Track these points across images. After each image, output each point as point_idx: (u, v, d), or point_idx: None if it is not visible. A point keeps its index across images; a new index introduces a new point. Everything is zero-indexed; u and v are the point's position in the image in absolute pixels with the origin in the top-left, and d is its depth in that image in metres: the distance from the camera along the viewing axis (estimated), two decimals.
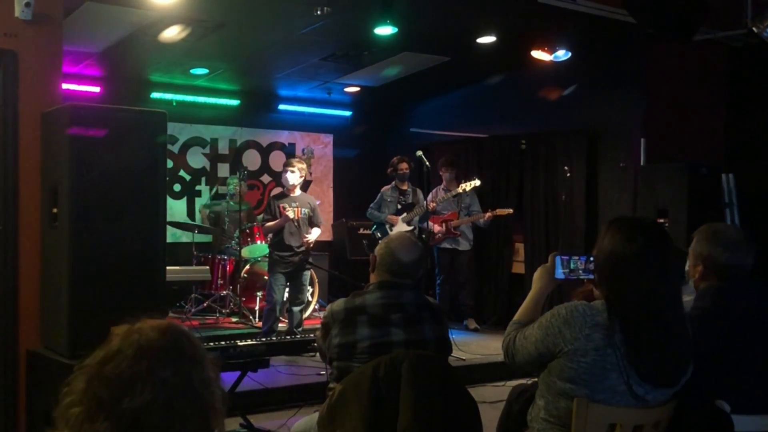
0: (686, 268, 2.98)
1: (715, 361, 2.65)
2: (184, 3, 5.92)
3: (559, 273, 2.76)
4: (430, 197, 7.55)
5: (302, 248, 6.84)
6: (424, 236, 7.52)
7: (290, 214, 6.69)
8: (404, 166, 7.83)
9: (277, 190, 8.85)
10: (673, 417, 2.46)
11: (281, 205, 6.75)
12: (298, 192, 6.91)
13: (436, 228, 7.90)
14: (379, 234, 7.75)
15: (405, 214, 7.81)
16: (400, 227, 7.65)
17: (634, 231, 2.43)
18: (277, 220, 6.74)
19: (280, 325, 7.17)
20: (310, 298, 8.05)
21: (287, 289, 6.99)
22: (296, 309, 6.88)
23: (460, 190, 7.73)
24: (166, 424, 1.34)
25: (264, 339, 5.05)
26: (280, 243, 6.79)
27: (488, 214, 7.81)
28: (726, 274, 2.82)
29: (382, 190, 7.98)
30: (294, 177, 6.81)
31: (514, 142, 8.49)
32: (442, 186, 8.11)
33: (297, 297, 6.88)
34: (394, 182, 7.94)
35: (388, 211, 7.86)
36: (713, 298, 2.81)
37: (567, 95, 7.92)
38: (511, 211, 7.90)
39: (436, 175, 8.12)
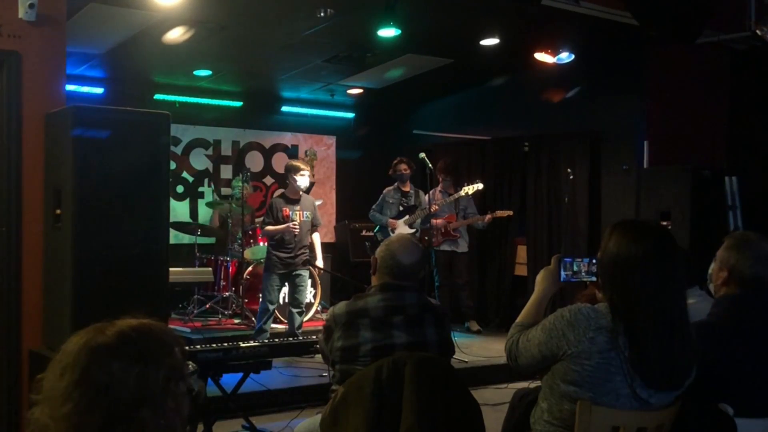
0: (710, 270, 2.97)
1: (723, 366, 2.65)
2: (187, 5, 5.93)
3: (562, 275, 2.76)
4: (427, 199, 7.55)
5: (303, 253, 6.80)
6: (426, 238, 7.51)
7: (296, 222, 6.66)
8: (403, 167, 7.82)
9: (279, 191, 8.84)
10: (677, 420, 2.46)
11: (285, 209, 6.74)
12: (301, 194, 6.90)
13: (437, 222, 7.89)
14: (381, 236, 7.74)
15: (407, 217, 7.80)
16: (402, 230, 7.65)
17: (639, 234, 2.42)
18: (279, 227, 6.65)
19: (280, 326, 7.16)
20: (312, 300, 8.06)
21: (284, 291, 6.99)
22: (296, 311, 6.83)
23: (462, 193, 7.70)
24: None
25: (266, 341, 5.06)
26: (280, 245, 6.76)
27: (488, 216, 7.80)
28: (749, 284, 2.81)
29: (384, 192, 7.97)
30: (305, 181, 6.76)
31: (517, 145, 8.49)
32: (439, 188, 8.09)
33: (296, 299, 6.84)
34: (396, 183, 7.94)
35: (389, 212, 7.85)
36: (730, 306, 2.80)
37: (570, 98, 7.92)
38: (510, 213, 7.89)
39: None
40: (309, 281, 7.24)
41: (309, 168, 6.88)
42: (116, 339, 1.40)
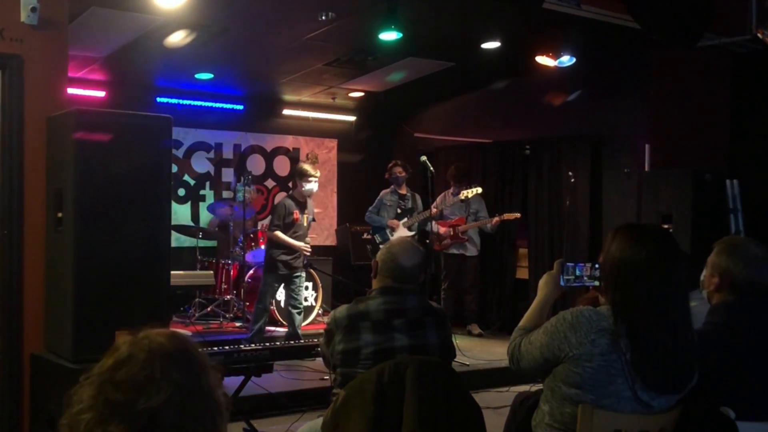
0: (701, 277, 2.97)
1: (724, 371, 2.65)
2: (189, 8, 5.94)
3: (565, 280, 2.76)
4: (438, 201, 7.54)
5: (301, 254, 6.87)
6: (428, 240, 7.50)
7: (309, 249, 6.85)
8: (398, 170, 7.79)
9: (281, 195, 8.85)
10: (678, 423, 2.46)
11: (296, 212, 6.75)
12: (306, 198, 6.92)
13: (443, 230, 7.89)
14: (379, 238, 7.73)
15: (406, 219, 7.79)
16: (401, 232, 7.64)
17: (642, 237, 2.42)
18: (294, 243, 6.70)
19: (280, 329, 7.12)
20: (314, 303, 8.06)
21: (282, 293, 7.03)
22: (296, 311, 6.86)
23: (462, 196, 7.69)
24: (180, 424, 1.39)
25: (267, 344, 5.05)
26: (287, 248, 6.76)
27: (496, 219, 7.79)
28: (741, 289, 2.81)
29: (381, 194, 7.94)
30: (314, 187, 6.85)
31: (518, 148, 8.49)
32: (450, 191, 8.09)
33: (296, 299, 6.87)
34: (392, 186, 7.92)
35: (387, 215, 7.82)
36: (727, 313, 2.79)
37: (571, 101, 7.92)
38: (518, 215, 7.88)
39: (441, 180, 8.11)
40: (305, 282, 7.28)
41: (317, 174, 6.88)
42: (177, 348, 1.48)
